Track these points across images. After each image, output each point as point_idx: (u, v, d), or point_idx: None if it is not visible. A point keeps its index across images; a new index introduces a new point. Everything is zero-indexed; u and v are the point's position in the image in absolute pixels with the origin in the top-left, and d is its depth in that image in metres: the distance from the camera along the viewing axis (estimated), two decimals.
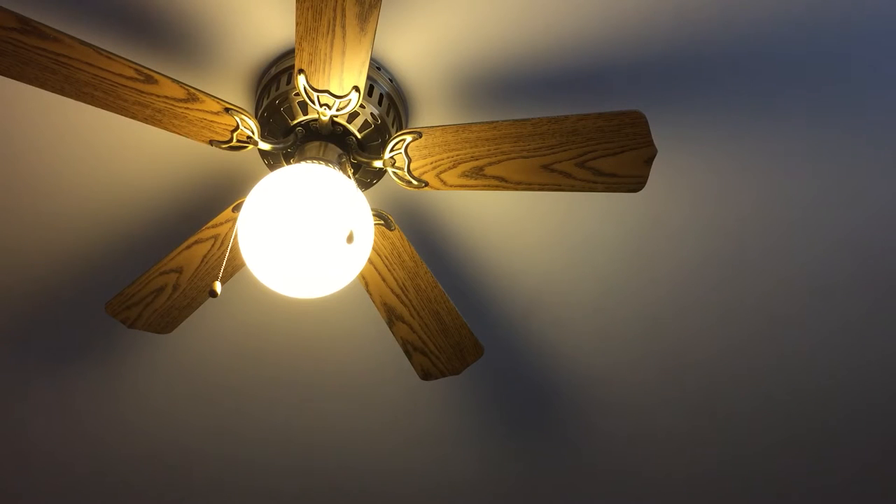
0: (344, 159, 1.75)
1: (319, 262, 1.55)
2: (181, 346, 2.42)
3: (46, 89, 1.54)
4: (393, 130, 1.79)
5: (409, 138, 1.63)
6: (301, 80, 1.56)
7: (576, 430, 2.62)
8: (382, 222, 1.81)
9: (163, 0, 1.69)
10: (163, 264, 1.87)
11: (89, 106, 1.80)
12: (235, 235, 1.82)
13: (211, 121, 1.62)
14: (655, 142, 1.91)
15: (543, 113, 1.86)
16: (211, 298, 2.26)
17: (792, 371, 2.41)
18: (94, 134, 1.93)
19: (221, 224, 1.82)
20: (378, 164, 1.73)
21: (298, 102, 1.72)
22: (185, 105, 1.58)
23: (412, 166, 1.68)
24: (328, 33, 1.45)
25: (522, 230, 2.11)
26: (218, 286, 1.50)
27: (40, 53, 1.47)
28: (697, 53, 1.75)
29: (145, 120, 1.61)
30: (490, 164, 1.63)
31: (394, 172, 1.72)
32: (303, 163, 1.69)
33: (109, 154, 1.97)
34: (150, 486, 2.86)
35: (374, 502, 2.90)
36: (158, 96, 1.56)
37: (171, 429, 2.67)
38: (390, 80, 1.81)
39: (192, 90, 1.54)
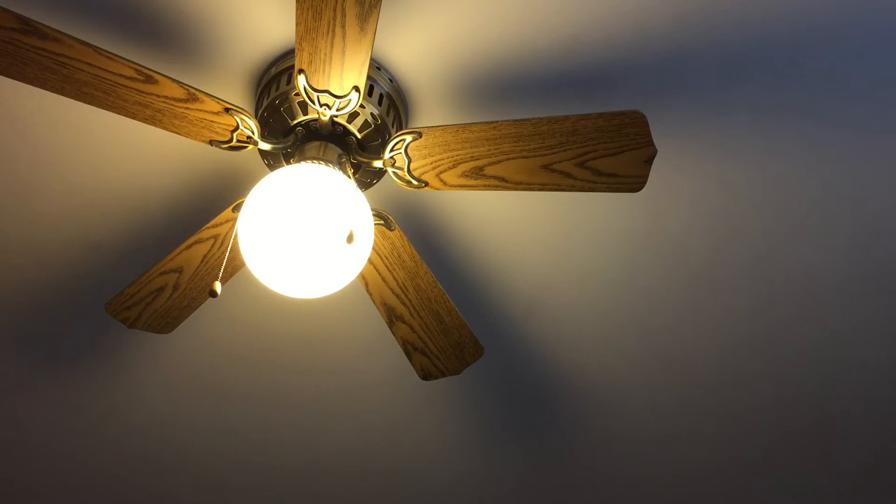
0: (344, 159, 1.75)
1: (319, 262, 1.55)
2: (181, 346, 2.42)
3: (46, 89, 1.54)
4: (393, 130, 1.79)
5: (409, 138, 1.63)
6: (301, 80, 1.56)
7: (576, 431, 2.62)
8: (382, 222, 1.81)
9: (163, 0, 1.69)
10: (163, 264, 1.87)
11: (89, 106, 1.80)
12: (235, 235, 1.82)
13: (211, 121, 1.62)
14: (655, 141, 1.91)
15: (543, 113, 1.86)
16: (211, 298, 2.26)
17: (795, 371, 2.41)
18: (93, 134, 1.93)
19: (221, 224, 1.82)
20: (378, 164, 1.73)
21: (298, 102, 1.72)
22: (185, 105, 1.58)
23: (412, 166, 1.68)
24: (328, 33, 1.45)
25: (523, 230, 2.11)
26: (218, 286, 1.50)
27: (40, 53, 1.47)
28: (697, 53, 1.75)
29: (145, 120, 1.61)
30: (490, 164, 1.63)
31: (394, 172, 1.72)
32: (303, 163, 1.69)
33: (109, 154, 1.97)
34: (149, 485, 2.86)
35: (374, 502, 2.90)
36: (158, 96, 1.56)
37: (170, 428, 2.67)
38: (390, 80, 1.81)
39: (192, 90, 1.54)
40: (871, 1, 1.66)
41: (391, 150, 1.67)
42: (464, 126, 1.57)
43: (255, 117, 1.76)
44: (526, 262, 2.18)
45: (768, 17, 1.70)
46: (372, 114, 1.74)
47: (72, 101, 1.87)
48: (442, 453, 2.72)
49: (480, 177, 1.66)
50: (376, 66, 1.79)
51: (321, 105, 1.62)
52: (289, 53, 1.78)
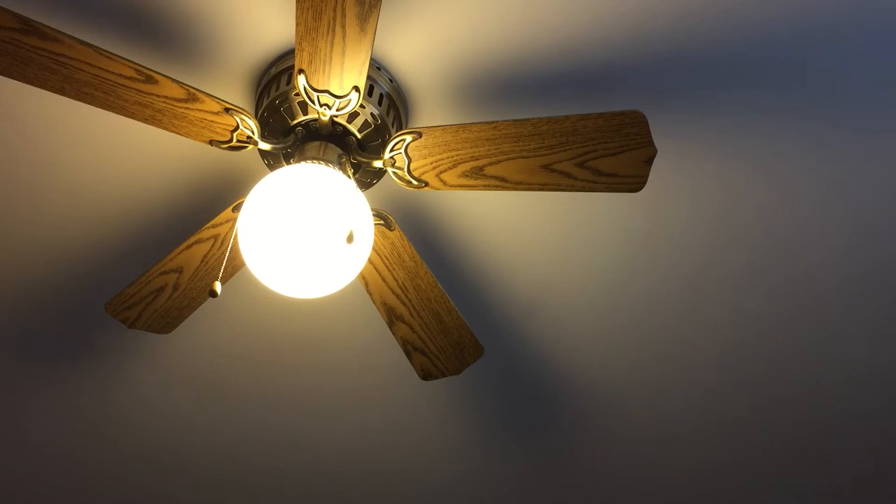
0: (344, 159, 1.75)
1: (319, 262, 1.55)
2: (181, 346, 2.42)
3: (46, 89, 1.54)
4: (393, 130, 1.79)
5: (409, 138, 1.63)
6: (301, 80, 1.56)
7: (576, 431, 2.62)
8: (382, 222, 1.81)
9: (163, 0, 1.69)
10: (163, 264, 1.87)
11: (89, 106, 1.80)
12: (235, 235, 1.82)
13: (211, 121, 1.62)
14: (655, 141, 1.91)
15: (543, 113, 1.86)
16: (211, 298, 2.26)
17: (794, 371, 2.41)
18: (93, 134, 1.93)
19: (221, 224, 1.82)
20: (378, 164, 1.73)
21: (298, 102, 1.72)
22: (185, 105, 1.58)
23: (412, 166, 1.68)
24: (328, 33, 1.45)
25: (523, 230, 2.11)
26: (218, 286, 1.50)
27: (40, 53, 1.47)
28: (697, 53, 1.75)
29: (145, 120, 1.61)
30: (490, 164, 1.63)
31: (394, 172, 1.72)
32: (303, 163, 1.69)
33: (109, 154, 1.97)
34: (149, 485, 2.86)
35: (374, 502, 2.90)
36: (158, 96, 1.56)
37: (170, 428, 2.67)
38: (390, 80, 1.81)
39: (192, 90, 1.54)
40: (871, 1, 1.66)
41: (391, 150, 1.67)
42: (464, 126, 1.57)
43: (255, 117, 1.76)
44: (526, 262, 2.18)
45: (768, 17, 1.70)
46: (372, 114, 1.74)
47: (72, 101, 1.87)
48: (442, 453, 2.72)
49: (480, 177, 1.66)
50: (376, 66, 1.79)
51: (321, 105, 1.62)
52: (289, 53, 1.78)
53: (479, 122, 1.56)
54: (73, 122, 1.91)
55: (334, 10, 1.41)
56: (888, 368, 2.38)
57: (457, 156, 1.63)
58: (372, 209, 1.81)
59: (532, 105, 1.85)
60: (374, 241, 1.84)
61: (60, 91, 1.54)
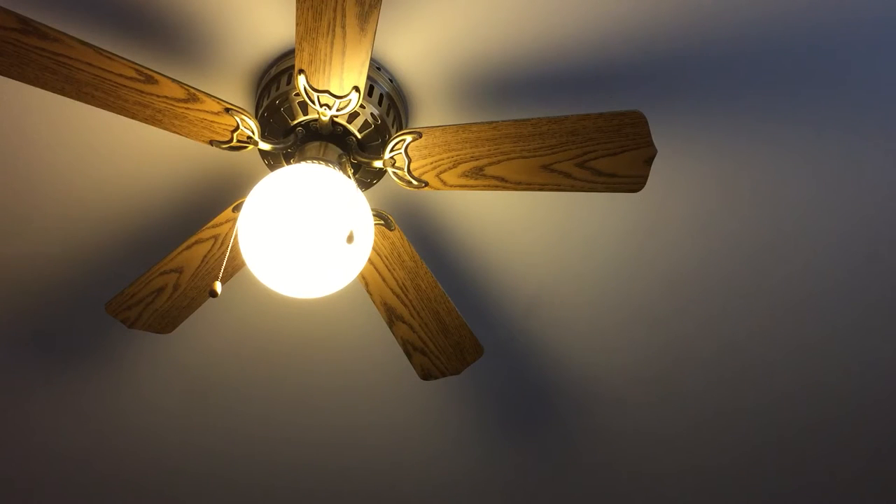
0: (344, 159, 1.75)
1: (319, 262, 1.55)
2: (181, 346, 2.42)
3: (46, 89, 1.54)
4: (393, 130, 1.79)
5: (409, 138, 1.63)
6: (301, 81, 1.57)
7: (576, 430, 2.62)
8: (382, 222, 1.81)
9: (163, 0, 1.69)
10: (163, 264, 1.87)
11: (89, 106, 1.80)
12: (235, 235, 1.83)
13: (211, 121, 1.62)
14: (655, 142, 1.91)
15: (543, 113, 1.86)
16: (211, 298, 2.26)
17: (792, 369, 2.41)
18: (94, 134, 1.93)
19: (221, 224, 1.82)
20: (378, 164, 1.74)
21: (299, 102, 1.72)
22: (186, 105, 1.58)
23: (412, 166, 1.68)
24: (328, 33, 1.45)
25: (522, 230, 2.11)
26: (218, 286, 1.50)
27: (40, 53, 1.47)
28: (697, 54, 1.75)
29: (145, 120, 1.61)
30: (490, 164, 1.63)
31: (394, 172, 1.72)
32: (303, 163, 1.69)
33: (109, 154, 1.97)
34: (150, 484, 2.86)
35: (375, 501, 2.90)
36: (159, 96, 1.56)
37: (171, 428, 2.67)
38: (390, 80, 1.81)
39: (193, 90, 1.54)
40: (871, 1, 1.66)
41: (391, 151, 1.67)
42: (464, 126, 1.57)
43: (256, 117, 1.76)
44: (526, 262, 2.18)
45: (768, 18, 1.70)
46: (372, 114, 1.74)
47: (72, 101, 1.87)
48: (441, 453, 2.72)
49: (480, 177, 1.66)
50: (376, 66, 1.80)
51: (321, 105, 1.62)
52: (289, 54, 1.78)
53: (479, 122, 1.56)
54: (73, 122, 1.91)
55: (334, 11, 1.41)
56: (888, 368, 2.38)
57: (457, 156, 1.63)
58: (372, 209, 1.81)
59: (532, 105, 1.85)
60: (374, 241, 1.84)
61: (60, 91, 1.54)
